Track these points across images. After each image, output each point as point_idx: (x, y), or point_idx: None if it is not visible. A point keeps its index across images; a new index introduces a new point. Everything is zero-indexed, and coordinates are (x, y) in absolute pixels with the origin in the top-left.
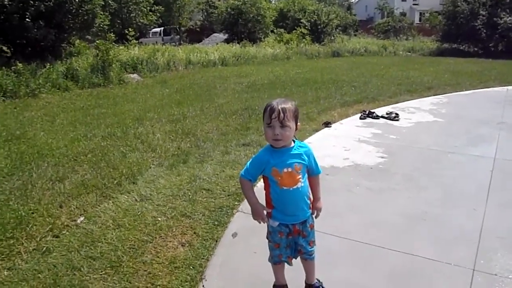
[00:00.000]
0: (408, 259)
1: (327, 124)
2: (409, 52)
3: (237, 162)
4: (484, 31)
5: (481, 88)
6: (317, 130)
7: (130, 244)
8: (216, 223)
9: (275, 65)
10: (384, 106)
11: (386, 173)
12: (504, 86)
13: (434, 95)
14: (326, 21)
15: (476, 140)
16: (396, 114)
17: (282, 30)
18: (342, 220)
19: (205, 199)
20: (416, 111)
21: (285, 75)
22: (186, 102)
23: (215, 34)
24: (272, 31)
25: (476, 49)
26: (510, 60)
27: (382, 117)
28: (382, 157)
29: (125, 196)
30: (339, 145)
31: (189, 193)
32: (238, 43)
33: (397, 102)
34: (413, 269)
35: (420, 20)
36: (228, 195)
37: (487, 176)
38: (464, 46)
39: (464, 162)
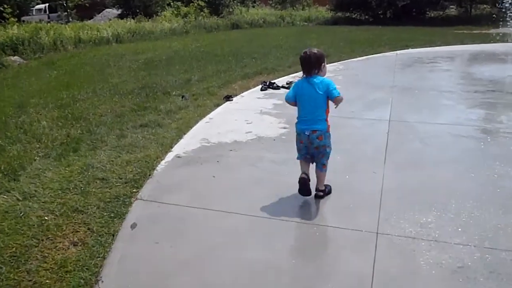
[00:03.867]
0: (314, 230)
1: (228, 98)
2: (306, 22)
3: (134, 146)
4: None
5: (374, 54)
6: (218, 105)
7: (10, 252)
8: (112, 215)
9: (173, 40)
10: (284, 76)
11: (289, 144)
12: (393, 51)
13: (330, 63)
14: None
15: (372, 104)
16: None
17: (179, 3)
18: (246, 197)
19: (99, 189)
20: None
21: (184, 50)
22: (76, 84)
23: (107, 10)
24: (168, 5)
25: (367, 17)
26: (398, 27)
27: (283, 87)
28: (284, 128)
29: (4, 196)
30: (241, 118)
31: (81, 184)
32: (133, 18)
33: (296, 71)
34: (320, 239)
35: None
36: (125, 183)
37: (383, 138)
38: (356, 15)
39: (361, 127)
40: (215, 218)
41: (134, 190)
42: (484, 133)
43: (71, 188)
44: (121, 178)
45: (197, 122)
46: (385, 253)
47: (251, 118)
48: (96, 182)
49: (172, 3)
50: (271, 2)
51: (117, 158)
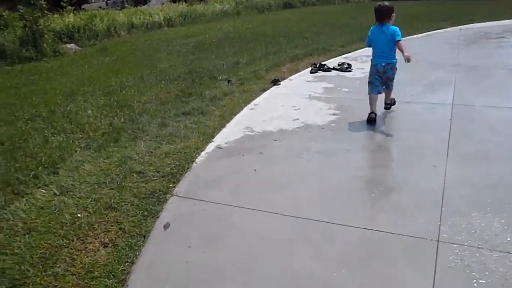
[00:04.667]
0: (367, 236)
1: (275, 82)
2: None
3: (174, 135)
4: None
5: (435, 30)
6: (265, 90)
7: (40, 253)
8: (146, 213)
9: (224, 22)
10: (336, 57)
11: (339, 133)
12: (456, 26)
13: None
14: None
15: (433, 86)
16: (349, 64)
17: None
18: (292, 194)
19: (135, 184)
20: (368, 60)
21: (235, 32)
22: (125, 70)
23: None
24: None
25: None
26: (457, 0)
27: (334, 69)
28: (334, 114)
29: (42, 191)
30: (288, 104)
31: (118, 178)
32: (185, 1)
33: (349, 52)
34: (371, 247)
35: None
36: (163, 177)
37: (446, 126)
38: None
39: (421, 112)
40: (255, 219)
41: (170, 185)
42: None
43: (107, 182)
44: (158, 172)
45: (241, 108)
46: (447, 268)
47: (299, 103)
48: (133, 175)
49: None
50: None
51: (156, 149)
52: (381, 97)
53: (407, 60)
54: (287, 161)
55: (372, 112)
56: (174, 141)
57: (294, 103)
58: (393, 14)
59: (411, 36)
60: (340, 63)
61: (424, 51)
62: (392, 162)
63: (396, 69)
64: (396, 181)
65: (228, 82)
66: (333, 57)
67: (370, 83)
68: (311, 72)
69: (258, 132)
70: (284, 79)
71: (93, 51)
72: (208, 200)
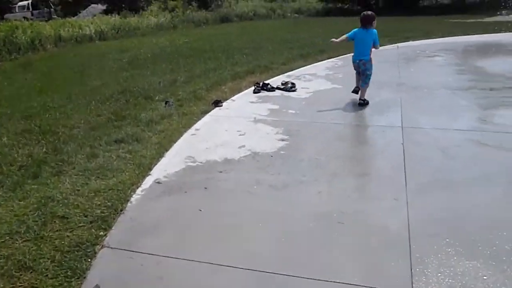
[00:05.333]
0: None
1: (217, 103)
2: (297, 14)
3: (105, 168)
4: None
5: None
6: (206, 112)
7: None
8: (69, 273)
9: (160, 36)
10: (278, 75)
11: (290, 161)
12: (393, 43)
13: (328, 58)
14: None
15: (380, 107)
16: (292, 83)
17: None
18: (245, 240)
19: (57, 233)
20: (312, 78)
21: (171, 46)
22: (51, 88)
23: (93, 5)
24: None
25: (359, 7)
26: (391, 17)
27: (278, 88)
28: (282, 140)
29: None
30: (232, 128)
31: (35, 226)
32: (118, 13)
33: (291, 70)
34: None
35: None
36: (91, 222)
37: (399, 151)
38: (348, 5)
39: (372, 136)
40: (204, 275)
41: (100, 233)
42: None
43: (22, 232)
44: (85, 216)
45: (181, 134)
46: None
47: (244, 127)
48: (55, 222)
49: None
50: None
51: (84, 186)
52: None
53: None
54: (236, 197)
55: (357, 86)
56: (105, 175)
57: (239, 127)
58: (375, 22)
59: (351, 54)
60: (283, 82)
61: None
62: (350, 194)
63: (370, 65)
64: (359, 217)
65: (166, 103)
66: (276, 75)
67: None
68: (254, 92)
69: (201, 162)
70: (226, 99)
71: (14, 66)
72: (147, 251)
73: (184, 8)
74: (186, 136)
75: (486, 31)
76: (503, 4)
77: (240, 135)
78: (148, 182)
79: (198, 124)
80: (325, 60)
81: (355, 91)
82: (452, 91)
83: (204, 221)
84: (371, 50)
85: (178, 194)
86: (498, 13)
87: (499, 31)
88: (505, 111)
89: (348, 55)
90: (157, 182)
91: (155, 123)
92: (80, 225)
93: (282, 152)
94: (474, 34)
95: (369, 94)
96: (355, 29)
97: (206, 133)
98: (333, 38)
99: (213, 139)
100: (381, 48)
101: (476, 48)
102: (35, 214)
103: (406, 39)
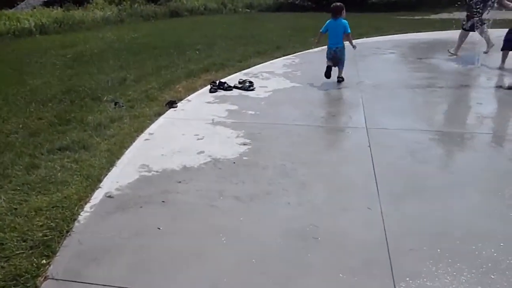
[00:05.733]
0: None
1: (171, 104)
2: (248, 8)
3: (48, 181)
4: None
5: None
6: (160, 114)
7: None
8: None
9: (106, 30)
10: (235, 72)
11: (254, 168)
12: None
13: (284, 56)
14: None
15: (341, 107)
16: (250, 82)
17: None
18: (210, 266)
19: None
20: (270, 76)
21: (119, 42)
22: None
23: None
24: None
25: (310, 3)
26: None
27: (235, 87)
28: (244, 144)
29: None
30: (189, 132)
31: None
32: (61, 6)
33: (248, 67)
34: None
35: None
36: (32, 248)
37: (367, 155)
38: (299, 1)
39: (337, 138)
40: None
41: (43, 261)
42: (486, 140)
43: None
44: (25, 241)
45: (134, 140)
46: None
47: (202, 131)
48: None
49: None
50: None
51: (22, 203)
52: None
53: (355, 48)
54: (198, 212)
55: (329, 65)
56: (48, 189)
57: (197, 131)
58: (344, 11)
59: (306, 51)
60: (241, 80)
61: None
62: (322, 205)
63: (344, 51)
64: (334, 231)
65: (116, 105)
66: (232, 73)
67: (327, 59)
68: (210, 91)
69: (157, 171)
70: (181, 100)
71: None
72: (99, 282)
73: (132, 1)
74: (139, 141)
75: (435, 28)
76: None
77: (199, 139)
78: (98, 196)
79: (151, 128)
80: (281, 57)
81: (328, 70)
82: (413, 89)
83: (163, 242)
84: (344, 39)
85: (133, 209)
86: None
87: (447, 28)
88: (467, 109)
89: (304, 52)
90: (109, 196)
91: (104, 127)
92: (18, 252)
93: (245, 158)
94: (424, 31)
95: (328, 93)
96: (327, 22)
97: (161, 138)
98: (312, 38)
99: (169, 145)
100: None
101: (428, 46)
102: None
103: (360, 36)
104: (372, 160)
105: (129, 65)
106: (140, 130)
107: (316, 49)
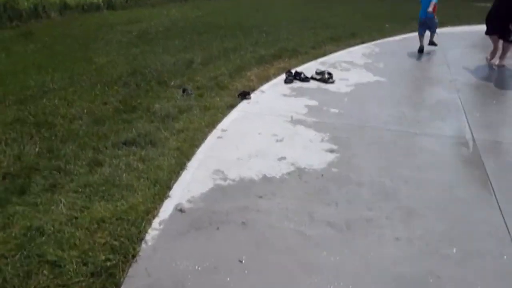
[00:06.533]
0: None
1: (244, 96)
2: None
3: (112, 184)
4: None
5: (409, 33)
6: (232, 106)
7: None
8: None
9: (171, 7)
10: (310, 61)
11: (347, 185)
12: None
13: (362, 43)
14: None
15: (439, 109)
16: (329, 73)
17: None
18: None
19: None
20: (350, 67)
21: (184, 20)
22: (52, 64)
23: None
24: None
25: None
26: None
27: (313, 78)
28: (331, 151)
29: None
30: (266, 131)
31: (16, 279)
32: None
33: (324, 55)
34: None
35: None
36: (92, 275)
37: (482, 174)
38: None
39: (441, 151)
40: None
41: None
42: None
43: None
44: (85, 264)
45: (205, 136)
46: None
47: (281, 130)
48: (43, 272)
49: None
50: None
51: (84, 211)
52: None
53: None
54: (286, 241)
55: (422, 45)
56: (112, 195)
57: (274, 129)
58: None
59: (384, 39)
60: (318, 71)
61: (407, 59)
62: (441, 245)
63: (434, 19)
64: (464, 286)
65: (184, 92)
66: (307, 62)
67: (419, 28)
68: (285, 82)
69: (233, 180)
70: (254, 90)
71: (14, 36)
72: None
73: None
74: (211, 139)
75: None
76: None
77: (278, 141)
78: (167, 208)
79: (224, 123)
80: (359, 45)
81: (421, 51)
82: None
83: (244, 282)
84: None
85: (209, 230)
86: None
87: None
88: None
89: (382, 41)
90: (180, 209)
91: (172, 118)
92: (77, 279)
93: (334, 169)
94: None
95: (419, 91)
96: None
97: (235, 136)
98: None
99: (245, 146)
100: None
101: None
102: (17, 257)
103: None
104: (491, 183)
105: (194, 46)
106: (212, 124)
107: (396, 38)
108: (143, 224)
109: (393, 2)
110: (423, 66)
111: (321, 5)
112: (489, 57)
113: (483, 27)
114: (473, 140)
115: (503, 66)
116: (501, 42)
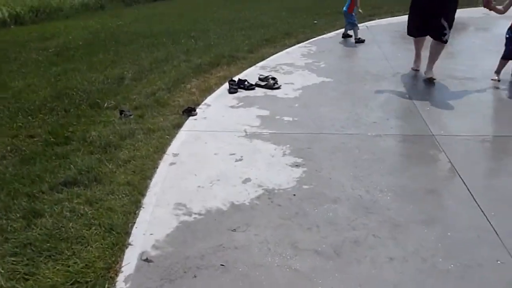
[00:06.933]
0: None
1: (190, 112)
2: None
3: (59, 238)
4: None
5: (339, 29)
6: (179, 125)
7: None
8: None
9: (88, 18)
10: (250, 66)
11: (321, 203)
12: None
13: (298, 43)
14: None
15: (391, 107)
16: (274, 78)
17: None
18: None
19: None
20: (292, 70)
21: (105, 31)
22: None
23: None
24: None
25: None
26: None
27: (258, 85)
28: (296, 165)
29: None
30: (223, 150)
31: None
32: None
33: (262, 59)
34: None
35: None
36: None
37: (452, 173)
38: None
39: (407, 153)
40: None
41: None
42: None
43: None
44: None
45: (156, 164)
46: None
47: (237, 147)
48: None
49: None
50: None
51: (27, 281)
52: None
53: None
54: (275, 280)
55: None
56: (61, 252)
57: (230, 147)
58: None
59: (320, 36)
60: (262, 77)
61: (347, 55)
62: (440, 262)
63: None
64: None
65: (121, 114)
66: (247, 68)
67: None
68: (230, 92)
69: (199, 214)
70: (199, 104)
71: None
72: None
73: None
74: (164, 166)
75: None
76: None
77: (237, 160)
78: (131, 260)
79: (174, 146)
80: (295, 45)
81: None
82: (460, 81)
83: None
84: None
85: (184, 280)
86: None
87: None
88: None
89: (317, 38)
90: (146, 259)
91: (114, 147)
92: None
93: (305, 187)
94: None
95: (367, 88)
96: None
97: (189, 160)
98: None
99: (202, 170)
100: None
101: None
102: None
103: (371, 16)
104: (467, 186)
105: (122, 59)
106: (161, 149)
107: (329, 34)
108: (106, 286)
109: None
110: (363, 63)
111: (243, 4)
112: (414, 66)
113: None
114: (433, 136)
115: (433, 79)
116: (426, 44)
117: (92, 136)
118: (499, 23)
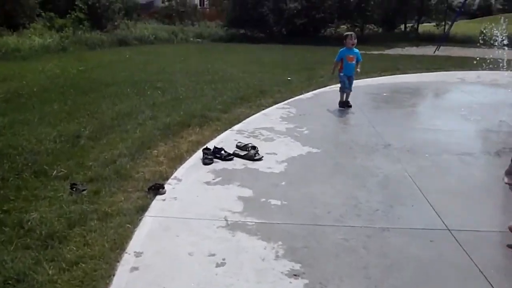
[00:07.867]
0: None
1: (157, 190)
2: (199, 38)
3: None
4: (272, 16)
5: (316, 88)
6: (143, 209)
7: None
8: None
9: (47, 60)
10: (225, 130)
11: None
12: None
13: (275, 104)
14: (107, 3)
15: (392, 189)
16: (254, 147)
17: (52, 13)
18: None
19: None
20: (273, 136)
21: (64, 76)
22: None
23: None
24: (39, 15)
25: (262, 34)
26: (296, 45)
27: (236, 155)
28: (295, 274)
29: None
30: (199, 249)
31: None
32: None
33: (239, 121)
34: None
35: (201, 3)
36: None
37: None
38: (251, 32)
39: (425, 256)
40: None
41: None
42: None
43: None
44: None
45: (112, 269)
46: None
47: (217, 245)
48: None
49: (43, 14)
50: (157, 16)
51: None
52: None
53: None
54: None
55: (346, 100)
56: None
57: (209, 245)
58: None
59: (298, 97)
60: (241, 144)
61: (329, 123)
62: None
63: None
64: None
65: (73, 188)
66: (222, 131)
67: (343, 87)
68: (204, 163)
69: None
70: (167, 178)
71: None
72: None
73: (75, 27)
74: (122, 275)
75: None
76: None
77: (218, 266)
78: None
79: (136, 240)
80: (272, 105)
81: (345, 104)
82: (458, 156)
83: None
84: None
85: None
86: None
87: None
88: None
89: (295, 99)
90: None
91: (59, 239)
92: None
93: None
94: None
95: (359, 163)
96: (342, 50)
97: (156, 264)
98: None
99: (174, 281)
100: (326, 89)
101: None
102: None
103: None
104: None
105: (80, 111)
106: (120, 245)
107: (307, 95)
108: None
109: (276, 49)
110: (348, 129)
111: (211, 55)
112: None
113: (386, 79)
114: (449, 231)
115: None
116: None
117: (32, 221)
118: None
